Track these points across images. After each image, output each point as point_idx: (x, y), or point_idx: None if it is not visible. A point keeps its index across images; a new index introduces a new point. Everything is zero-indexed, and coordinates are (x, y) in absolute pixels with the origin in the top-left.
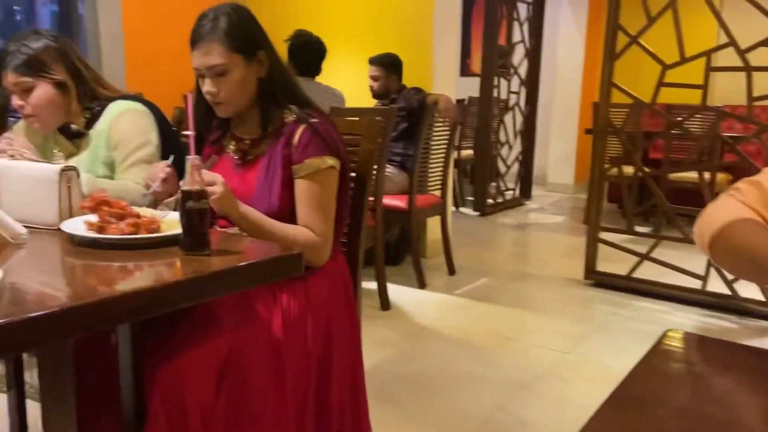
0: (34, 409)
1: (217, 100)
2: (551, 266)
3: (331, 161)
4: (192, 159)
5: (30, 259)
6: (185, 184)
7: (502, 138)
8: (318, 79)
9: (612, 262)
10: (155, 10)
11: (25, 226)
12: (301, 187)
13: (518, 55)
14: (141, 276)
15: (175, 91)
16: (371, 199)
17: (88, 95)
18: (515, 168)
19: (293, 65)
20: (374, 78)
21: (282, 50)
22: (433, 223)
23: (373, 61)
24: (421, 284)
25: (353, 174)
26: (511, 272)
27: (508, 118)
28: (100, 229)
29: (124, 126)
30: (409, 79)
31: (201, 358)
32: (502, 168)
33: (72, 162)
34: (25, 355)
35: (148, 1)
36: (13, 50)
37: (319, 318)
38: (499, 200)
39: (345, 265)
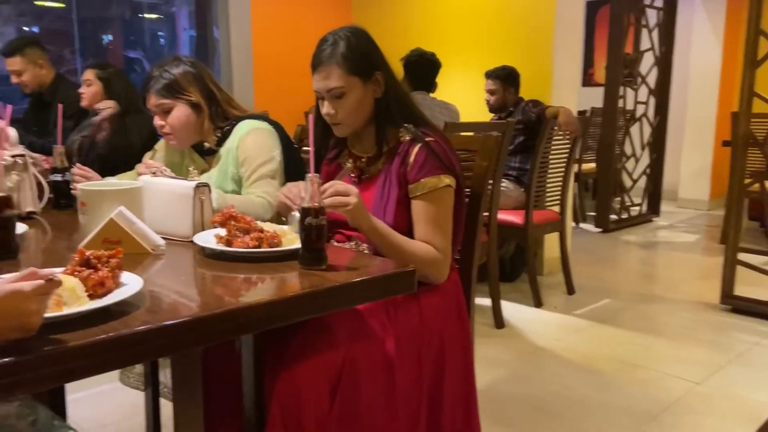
0: (167, 407)
1: (335, 121)
2: (682, 289)
3: (447, 180)
4: (311, 176)
5: (167, 268)
6: (305, 201)
7: (628, 150)
8: (434, 94)
9: (752, 286)
10: (282, 34)
11: (163, 238)
12: (418, 206)
13: (646, 63)
14: (262, 288)
15: (299, 109)
16: (485, 214)
17: (220, 115)
18: (642, 182)
19: (408, 81)
20: (491, 92)
21: (398, 69)
22: (551, 240)
23: (490, 75)
24: (537, 303)
25: (467, 190)
26: (637, 294)
27: (634, 129)
28: (228, 242)
29: (250, 144)
30: (527, 92)
31: (316, 370)
32: (628, 182)
33: (203, 178)
34: None
35: (275, 25)
36: (155, 75)
37: (432, 336)
38: (624, 216)
39: (458, 282)
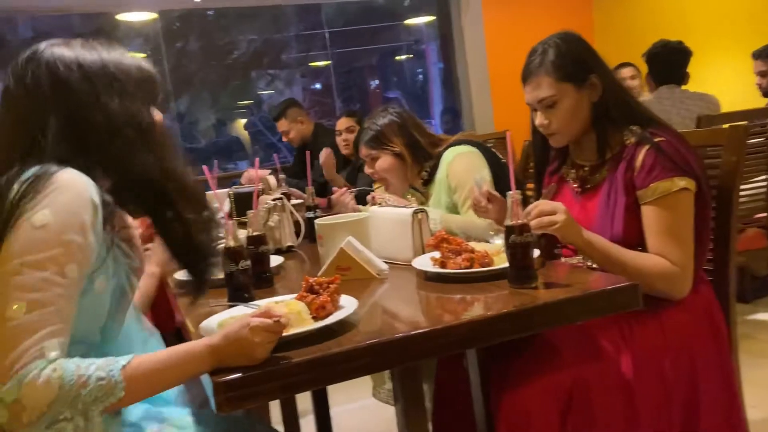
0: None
1: (549, 131)
2: None
3: (682, 182)
4: (512, 194)
5: (391, 291)
6: (508, 220)
7: None
8: (686, 86)
9: None
10: (518, 49)
11: (388, 262)
12: (649, 213)
13: None
14: (475, 307)
15: None
16: (763, 215)
17: (425, 157)
18: None
19: (654, 76)
20: (761, 74)
21: (642, 66)
22: None
23: (759, 55)
24: None
25: (714, 192)
26: None
27: None
28: (442, 264)
29: (458, 169)
30: None
31: (543, 391)
32: None
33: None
34: None
35: (510, 41)
36: (365, 128)
37: (681, 358)
38: None
39: (711, 297)
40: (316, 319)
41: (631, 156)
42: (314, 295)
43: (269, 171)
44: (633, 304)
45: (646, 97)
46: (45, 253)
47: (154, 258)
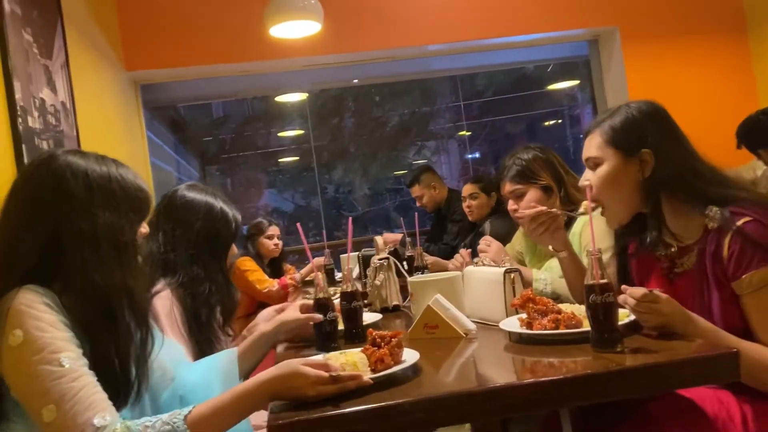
0: None
1: (593, 198)
2: None
3: None
4: (593, 251)
5: (476, 350)
6: (588, 278)
7: None
8: None
9: None
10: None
11: (479, 322)
12: (751, 307)
13: None
14: (555, 368)
15: None
16: None
17: (569, 197)
18: None
19: (764, 151)
20: None
21: None
22: None
23: None
24: None
25: None
26: None
27: None
28: (529, 325)
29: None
30: None
31: None
32: None
33: (550, 262)
34: None
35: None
36: (509, 164)
37: None
38: None
39: None
40: (374, 371)
41: (716, 244)
42: (375, 348)
43: (401, 235)
44: (730, 376)
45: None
46: (36, 358)
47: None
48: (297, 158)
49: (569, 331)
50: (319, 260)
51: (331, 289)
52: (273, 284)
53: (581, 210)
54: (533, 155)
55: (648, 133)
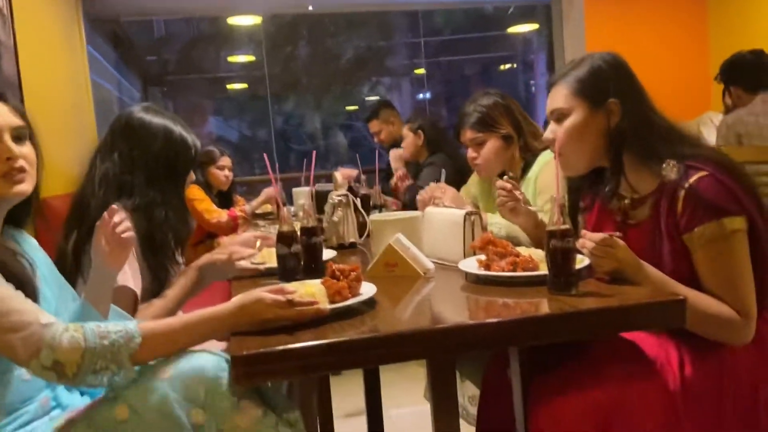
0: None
1: (555, 149)
2: None
3: (730, 224)
4: (556, 198)
5: (434, 289)
6: (550, 224)
7: None
8: None
9: None
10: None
11: (438, 262)
12: (699, 259)
13: None
14: (506, 309)
15: None
16: None
17: (527, 146)
18: None
19: (743, 86)
20: None
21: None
22: None
23: None
24: None
25: None
26: None
27: None
28: (487, 266)
29: (548, 175)
30: None
31: (579, 408)
32: None
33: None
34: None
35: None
36: (469, 111)
37: (739, 393)
38: None
39: None
40: (333, 303)
41: (671, 197)
42: (335, 281)
43: (357, 172)
44: (676, 321)
45: (730, 114)
46: None
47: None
48: (246, 86)
49: (526, 273)
50: (271, 190)
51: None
52: (222, 215)
53: None
54: (494, 102)
55: (613, 84)
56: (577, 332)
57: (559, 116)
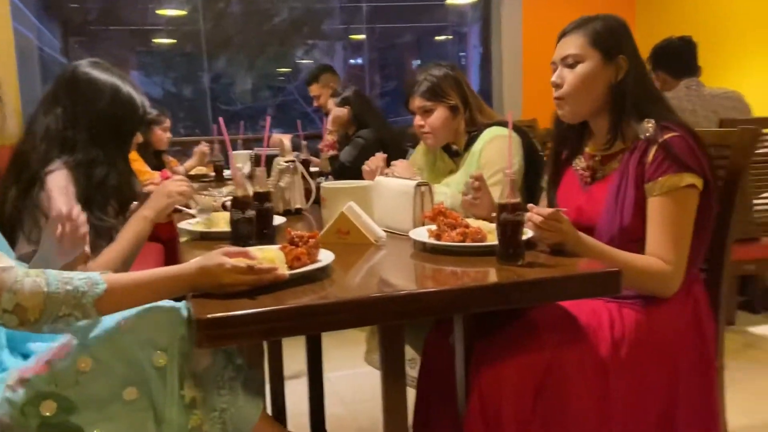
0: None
1: (559, 95)
2: None
3: (690, 179)
4: (508, 173)
5: (386, 257)
6: (502, 198)
7: None
8: (720, 85)
9: None
10: (552, 44)
11: (389, 231)
12: (653, 206)
13: None
14: (458, 277)
15: None
16: None
17: (472, 119)
18: None
19: (668, 72)
20: None
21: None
22: None
23: None
24: None
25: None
26: None
27: None
28: (437, 237)
29: (492, 150)
30: None
31: (519, 369)
32: None
33: (448, 179)
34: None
35: (547, 31)
36: (420, 79)
37: (663, 353)
38: None
39: (702, 296)
40: (291, 269)
41: (644, 149)
42: (293, 247)
43: (291, 136)
44: (612, 290)
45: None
46: None
47: (150, 204)
48: (174, 41)
49: (475, 244)
50: (203, 148)
51: (224, 189)
52: (155, 177)
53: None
54: (444, 73)
55: (625, 41)
56: (523, 300)
57: (573, 62)
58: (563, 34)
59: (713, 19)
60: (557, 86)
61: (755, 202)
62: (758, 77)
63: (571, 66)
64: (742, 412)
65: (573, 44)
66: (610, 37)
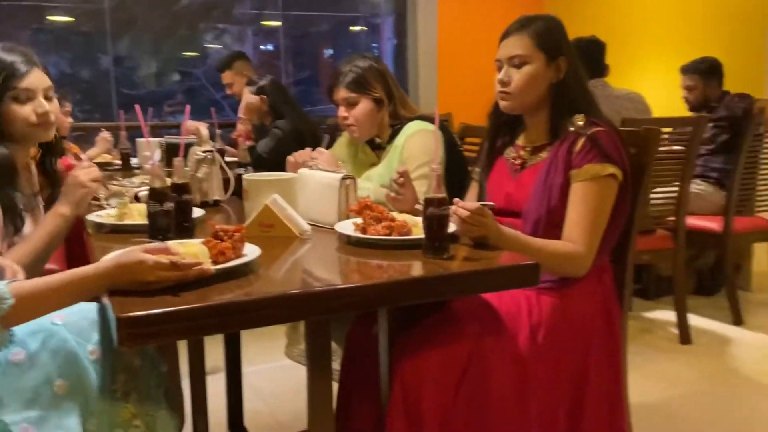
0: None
1: (506, 90)
2: None
3: (612, 169)
4: (435, 168)
5: (311, 250)
6: (429, 192)
7: None
8: (622, 85)
9: None
10: (468, 33)
11: (313, 224)
12: (575, 191)
13: None
14: (385, 271)
15: (481, 110)
16: (672, 218)
17: (396, 112)
18: None
19: None
20: (688, 88)
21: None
22: (763, 251)
23: (687, 70)
24: (737, 320)
25: None
26: None
27: None
28: (363, 230)
29: (415, 144)
30: (733, 85)
31: (440, 360)
32: None
33: (370, 172)
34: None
35: (461, 26)
36: (345, 70)
37: (575, 339)
38: None
39: (611, 283)
40: (215, 263)
41: (573, 140)
42: (218, 241)
43: (207, 125)
44: (531, 282)
45: None
46: None
47: (65, 198)
48: (72, 19)
49: (401, 237)
50: (105, 135)
51: (136, 179)
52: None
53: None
54: (369, 65)
55: (564, 44)
56: (447, 293)
57: (520, 63)
58: (507, 34)
59: (618, 20)
60: (504, 84)
61: (651, 196)
62: (657, 78)
63: (518, 66)
64: (638, 393)
65: (519, 45)
66: (552, 39)
